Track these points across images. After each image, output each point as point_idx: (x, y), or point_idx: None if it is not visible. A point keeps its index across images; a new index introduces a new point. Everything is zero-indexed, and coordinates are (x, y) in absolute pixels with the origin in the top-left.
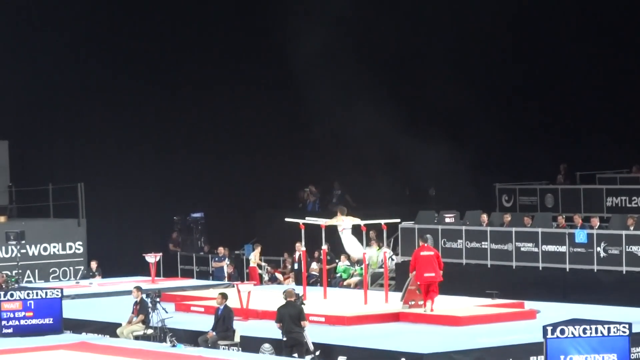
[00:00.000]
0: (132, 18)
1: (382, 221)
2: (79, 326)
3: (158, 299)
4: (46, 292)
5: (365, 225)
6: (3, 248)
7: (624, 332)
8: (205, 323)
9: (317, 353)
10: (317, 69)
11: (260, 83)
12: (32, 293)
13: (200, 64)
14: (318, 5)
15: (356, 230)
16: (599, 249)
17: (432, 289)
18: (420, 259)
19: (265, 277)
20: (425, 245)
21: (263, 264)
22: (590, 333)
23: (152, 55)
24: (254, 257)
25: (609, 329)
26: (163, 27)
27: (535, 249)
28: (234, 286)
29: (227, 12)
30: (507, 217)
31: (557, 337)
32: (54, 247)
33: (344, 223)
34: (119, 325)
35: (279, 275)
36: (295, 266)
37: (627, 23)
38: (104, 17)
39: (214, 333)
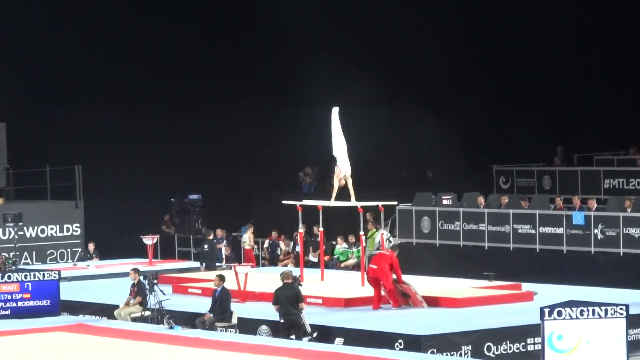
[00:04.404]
0: (127, 5)
1: (380, 203)
2: (76, 308)
3: (155, 281)
4: (43, 274)
5: (362, 207)
6: (0, 230)
7: (621, 313)
8: (202, 305)
9: (314, 335)
10: (310, 51)
11: (257, 65)
12: (30, 275)
13: (194, 48)
14: None
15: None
16: (596, 230)
17: (380, 285)
18: (375, 256)
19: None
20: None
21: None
22: (588, 315)
23: (147, 38)
24: (248, 239)
25: (606, 310)
26: (158, 14)
27: (533, 231)
28: (231, 268)
29: None
30: (505, 199)
31: (554, 318)
32: (52, 229)
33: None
34: (117, 307)
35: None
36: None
37: (628, 3)
38: (102, 3)
39: (212, 315)
